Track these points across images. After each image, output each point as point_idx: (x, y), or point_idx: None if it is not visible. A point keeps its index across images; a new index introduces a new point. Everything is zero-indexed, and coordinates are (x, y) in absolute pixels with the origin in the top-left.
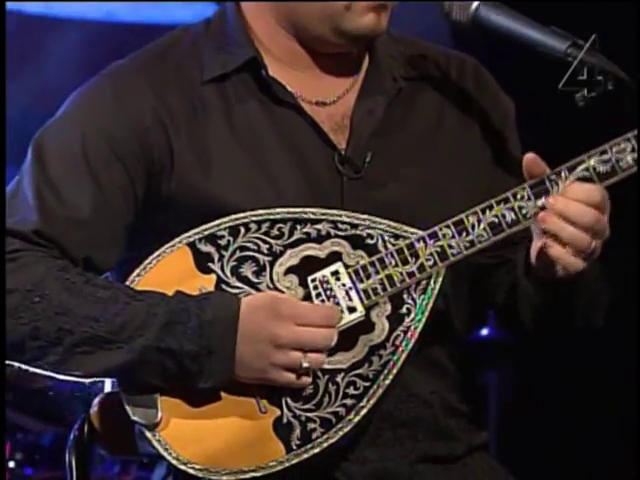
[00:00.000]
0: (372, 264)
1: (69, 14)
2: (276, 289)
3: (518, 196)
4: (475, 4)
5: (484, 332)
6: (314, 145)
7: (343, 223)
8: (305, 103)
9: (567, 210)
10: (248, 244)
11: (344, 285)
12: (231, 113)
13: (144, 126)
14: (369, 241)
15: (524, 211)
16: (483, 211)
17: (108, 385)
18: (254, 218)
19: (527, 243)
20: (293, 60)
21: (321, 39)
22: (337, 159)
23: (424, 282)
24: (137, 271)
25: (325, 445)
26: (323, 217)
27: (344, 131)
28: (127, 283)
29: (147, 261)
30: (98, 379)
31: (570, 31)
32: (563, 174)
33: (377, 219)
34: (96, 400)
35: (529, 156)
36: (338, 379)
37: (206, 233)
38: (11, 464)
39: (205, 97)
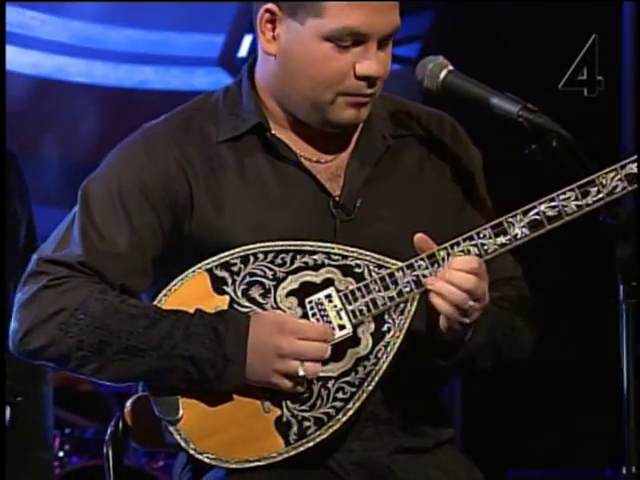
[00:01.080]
0: (359, 289)
1: (106, 83)
2: (279, 309)
3: (481, 234)
4: (443, 74)
5: None
6: (312, 193)
7: (335, 254)
8: (304, 160)
9: (451, 277)
10: (256, 270)
11: (335, 306)
12: (242, 166)
13: (171, 176)
14: (357, 270)
15: (485, 247)
16: (452, 246)
17: (139, 389)
18: (262, 249)
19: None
20: (294, 129)
21: (314, 125)
22: (332, 205)
23: (402, 305)
24: (163, 292)
25: (318, 440)
26: (319, 249)
27: (338, 180)
28: (155, 302)
29: (172, 284)
30: (131, 384)
31: (571, 31)
32: (518, 217)
33: (364, 251)
34: (129, 402)
35: (419, 236)
36: (329, 385)
37: (222, 261)
38: (60, 454)
39: (220, 153)
